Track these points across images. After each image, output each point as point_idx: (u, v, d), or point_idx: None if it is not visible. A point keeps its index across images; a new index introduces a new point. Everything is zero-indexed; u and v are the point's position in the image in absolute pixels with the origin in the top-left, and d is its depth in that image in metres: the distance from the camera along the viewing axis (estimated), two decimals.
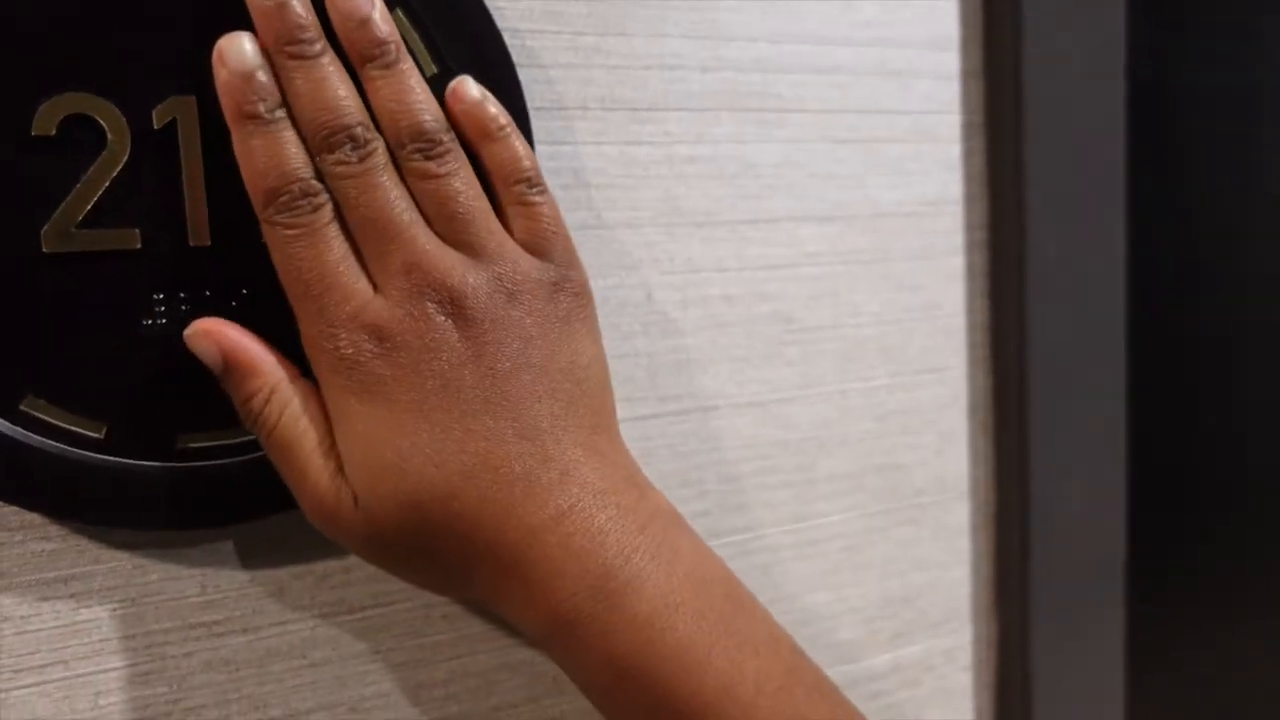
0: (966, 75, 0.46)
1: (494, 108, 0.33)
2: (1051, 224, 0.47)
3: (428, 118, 0.31)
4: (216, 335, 0.30)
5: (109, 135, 0.30)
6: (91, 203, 0.30)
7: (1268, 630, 0.66)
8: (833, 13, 0.43)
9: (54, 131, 0.29)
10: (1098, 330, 0.49)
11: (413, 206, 0.30)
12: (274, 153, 0.29)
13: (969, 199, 0.47)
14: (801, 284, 0.43)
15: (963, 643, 0.49)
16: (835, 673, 0.46)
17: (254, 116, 0.29)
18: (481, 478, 0.29)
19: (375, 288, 0.30)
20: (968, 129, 0.47)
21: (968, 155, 0.47)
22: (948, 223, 0.47)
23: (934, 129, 0.46)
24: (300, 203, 0.29)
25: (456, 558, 0.30)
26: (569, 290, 0.32)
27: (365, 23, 0.30)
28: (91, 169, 0.30)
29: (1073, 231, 0.48)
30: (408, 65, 0.31)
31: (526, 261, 0.31)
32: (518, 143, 0.33)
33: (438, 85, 0.33)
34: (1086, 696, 0.51)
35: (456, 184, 0.31)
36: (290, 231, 0.29)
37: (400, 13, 0.33)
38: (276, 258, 0.30)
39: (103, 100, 0.30)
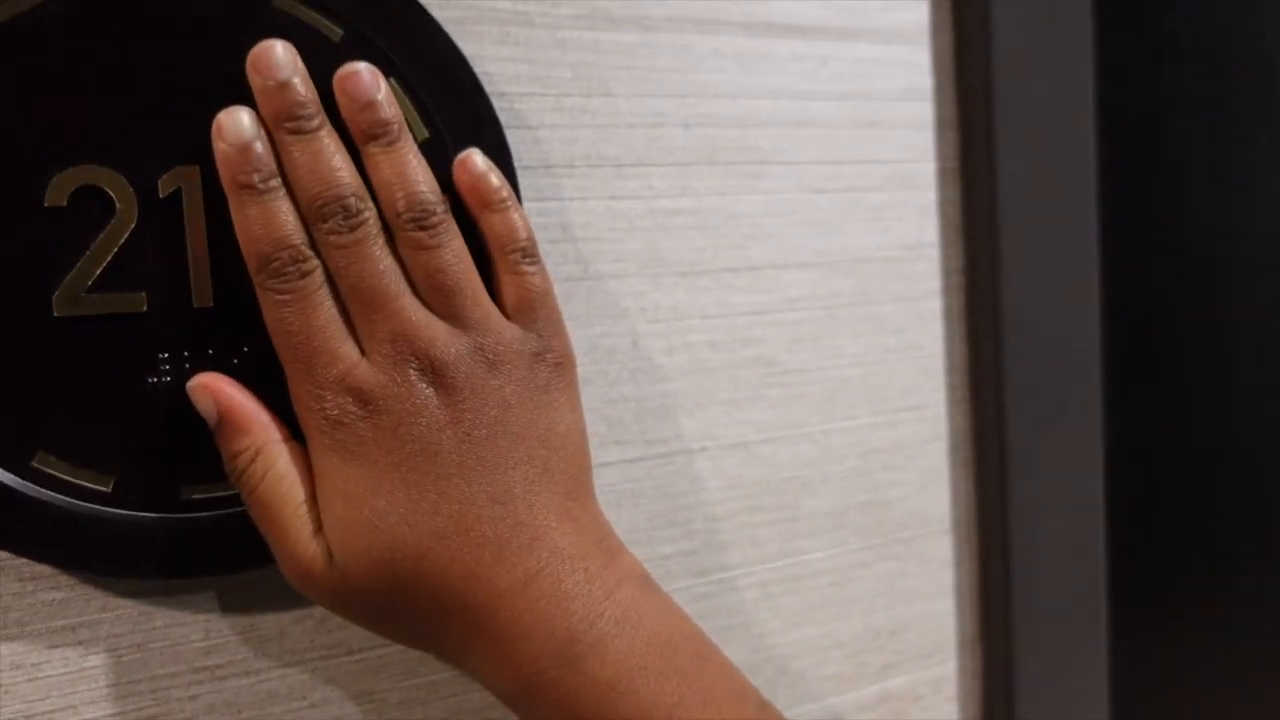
0: (940, 124, 0.48)
1: (497, 180, 0.34)
2: (1026, 266, 0.49)
3: (424, 191, 0.32)
4: (214, 390, 0.32)
5: (117, 204, 0.32)
6: (101, 268, 0.32)
7: (1247, 658, 0.67)
8: (809, 68, 0.44)
9: (65, 202, 0.31)
10: (1073, 368, 0.51)
11: (401, 277, 0.32)
12: (267, 221, 0.31)
13: (945, 243, 0.49)
14: (784, 328, 0.45)
15: (948, 674, 0.51)
16: (823, 706, 0.47)
17: (249, 187, 0.31)
18: (452, 539, 0.30)
19: (363, 352, 0.31)
20: (942, 176, 0.48)
21: (943, 201, 0.48)
22: (925, 267, 0.48)
23: (910, 177, 0.47)
24: (290, 269, 0.31)
25: (425, 617, 0.31)
26: (549, 360, 0.33)
27: (370, 105, 0.32)
28: (100, 236, 0.32)
29: (1047, 273, 0.49)
30: (407, 142, 0.33)
31: (510, 332, 0.33)
32: (516, 215, 0.34)
33: (429, 149, 0.35)
34: None
35: (447, 255, 0.32)
36: (281, 296, 0.31)
37: (393, 80, 0.35)
38: (268, 320, 0.31)
39: (111, 171, 0.32)
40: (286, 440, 0.32)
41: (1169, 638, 0.64)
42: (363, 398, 0.31)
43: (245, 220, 0.31)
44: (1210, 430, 0.65)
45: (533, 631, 0.30)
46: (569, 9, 0.39)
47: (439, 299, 0.32)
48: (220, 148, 0.31)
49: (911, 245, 0.48)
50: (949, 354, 0.49)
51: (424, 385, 0.31)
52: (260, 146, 0.31)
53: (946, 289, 0.49)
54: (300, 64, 0.31)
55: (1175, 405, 0.63)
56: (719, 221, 0.43)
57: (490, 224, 0.34)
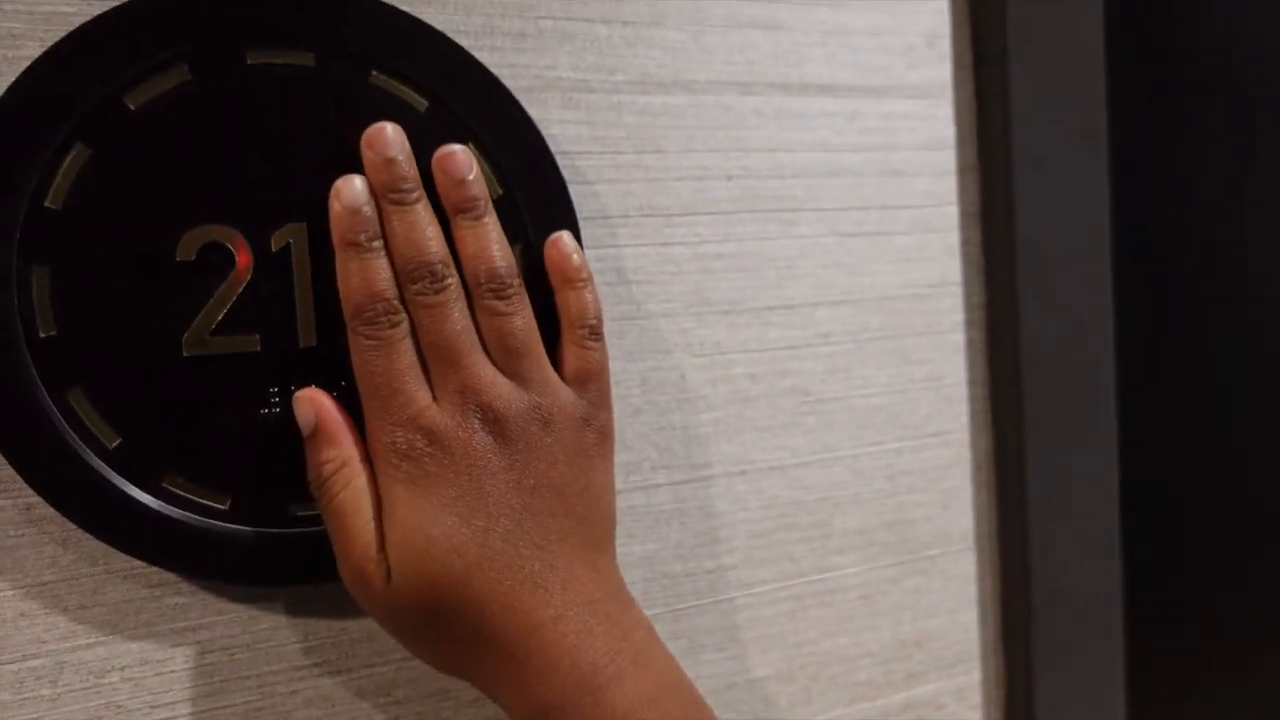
0: (962, 171, 0.52)
1: (579, 260, 0.39)
2: (1043, 301, 0.52)
3: (501, 265, 0.36)
4: (316, 402, 0.36)
5: (236, 258, 0.36)
6: (223, 314, 0.36)
7: (1265, 668, 0.70)
8: (840, 124, 0.49)
9: (194, 257, 0.36)
10: (1089, 394, 0.54)
11: (475, 337, 0.36)
12: (367, 276, 0.35)
13: (967, 281, 0.52)
14: (818, 361, 0.49)
15: (972, 683, 0.54)
16: (853, 711, 0.50)
17: (355, 244, 0.35)
18: (496, 573, 0.34)
19: (435, 399, 0.35)
20: (964, 219, 0.52)
21: (965, 243, 0.52)
22: (949, 303, 0.52)
23: (934, 220, 0.51)
24: (381, 319, 0.35)
25: (464, 640, 0.34)
26: (595, 427, 0.38)
27: (462, 184, 0.37)
28: (222, 286, 0.36)
29: (1063, 306, 0.53)
30: (491, 219, 0.37)
31: (565, 395, 0.37)
32: (590, 294, 0.39)
33: (502, 205, 0.39)
34: None
35: (518, 322, 0.36)
36: (369, 341, 0.35)
37: (471, 144, 0.39)
38: (356, 362, 0.35)
39: (232, 229, 0.36)
40: (365, 462, 0.36)
41: (1184, 647, 0.67)
42: (431, 436, 0.34)
43: (347, 273, 0.35)
44: (1221, 450, 0.68)
45: (560, 663, 0.33)
46: (624, 75, 0.44)
47: (506, 359, 0.36)
48: (335, 208, 0.35)
49: (935, 283, 0.52)
50: (971, 383, 0.53)
51: (485, 433, 0.35)
52: (369, 210, 0.35)
53: (969, 323, 0.53)
54: (406, 144, 0.36)
55: (1187, 427, 0.67)
56: (758, 264, 0.47)
57: (567, 299, 0.39)
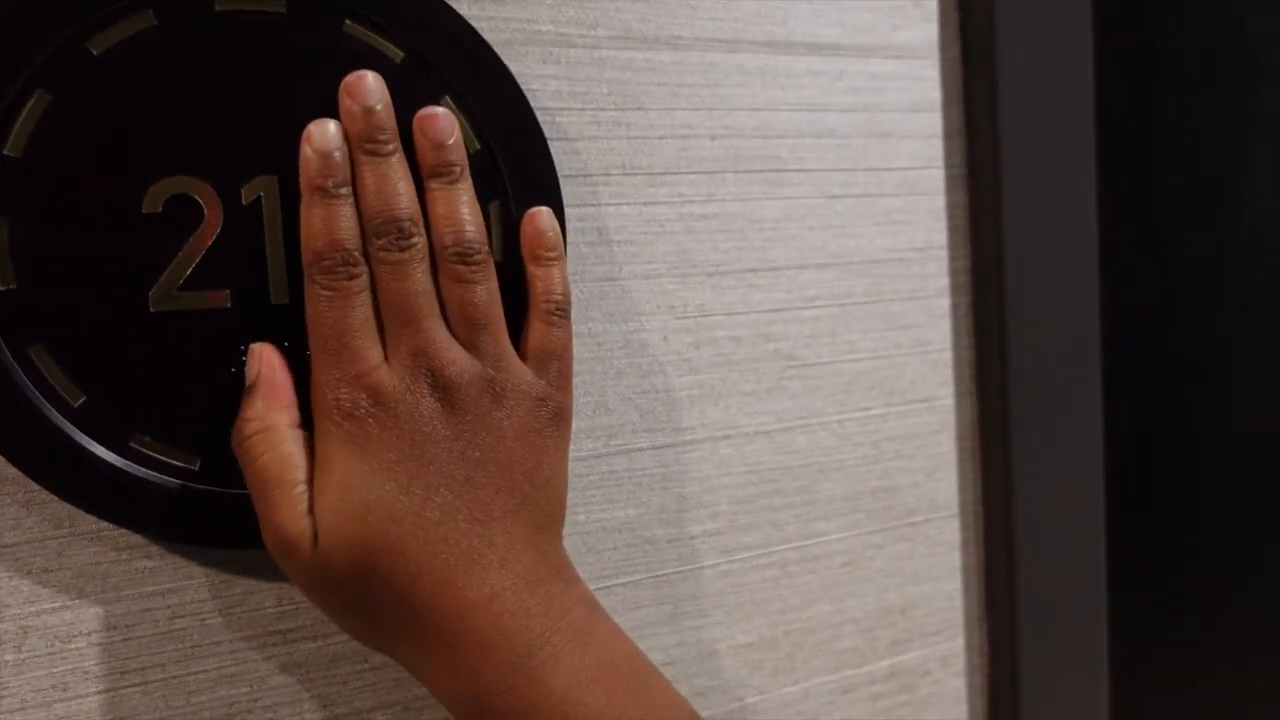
0: (948, 134, 0.51)
1: (553, 237, 0.38)
2: (1029, 266, 0.52)
3: (471, 230, 0.35)
4: (263, 359, 0.35)
5: (205, 211, 0.35)
6: (191, 268, 0.35)
7: (1246, 630, 0.70)
8: (826, 83, 0.48)
9: (160, 209, 0.35)
10: (1074, 361, 0.54)
11: (434, 301, 0.35)
12: (330, 223, 0.34)
13: (953, 245, 0.52)
14: (802, 325, 0.48)
15: (956, 650, 0.54)
16: (839, 678, 0.50)
17: (322, 190, 0.34)
18: (429, 545, 0.33)
19: (386, 359, 0.34)
20: (950, 182, 0.52)
21: (951, 206, 0.52)
22: (934, 267, 0.51)
23: (920, 183, 0.51)
24: (340, 269, 0.34)
25: (393, 613, 0.33)
26: (550, 407, 0.36)
27: (441, 147, 0.36)
28: (191, 239, 0.35)
29: (1049, 272, 0.53)
30: (466, 184, 0.36)
31: (522, 372, 0.36)
32: (559, 271, 0.38)
33: (480, 160, 0.38)
34: (1073, 698, 0.55)
35: (481, 292, 0.35)
36: (325, 291, 0.34)
37: (448, 98, 0.38)
38: (309, 312, 0.34)
39: (200, 181, 0.35)
40: (299, 427, 0.35)
41: (1169, 614, 0.67)
42: (377, 396, 0.33)
43: (310, 219, 0.34)
44: (1205, 418, 0.68)
45: (494, 643, 0.32)
46: (606, 30, 0.43)
47: (465, 329, 0.35)
48: (305, 152, 0.34)
49: (921, 247, 0.51)
50: (956, 349, 0.52)
51: (433, 399, 0.34)
52: (339, 156, 0.34)
53: (954, 288, 0.52)
54: (387, 95, 0.35)
55: (1171, 394, 0.67)
56: (742, 225, 0.46)
57: (536, 274, 0.38)
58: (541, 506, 0.36)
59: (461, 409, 0.34)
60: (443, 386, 0.34)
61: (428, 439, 0.33)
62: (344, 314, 0.34)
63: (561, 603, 0.34)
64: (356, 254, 0.34)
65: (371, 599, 0.33)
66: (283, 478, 0.33)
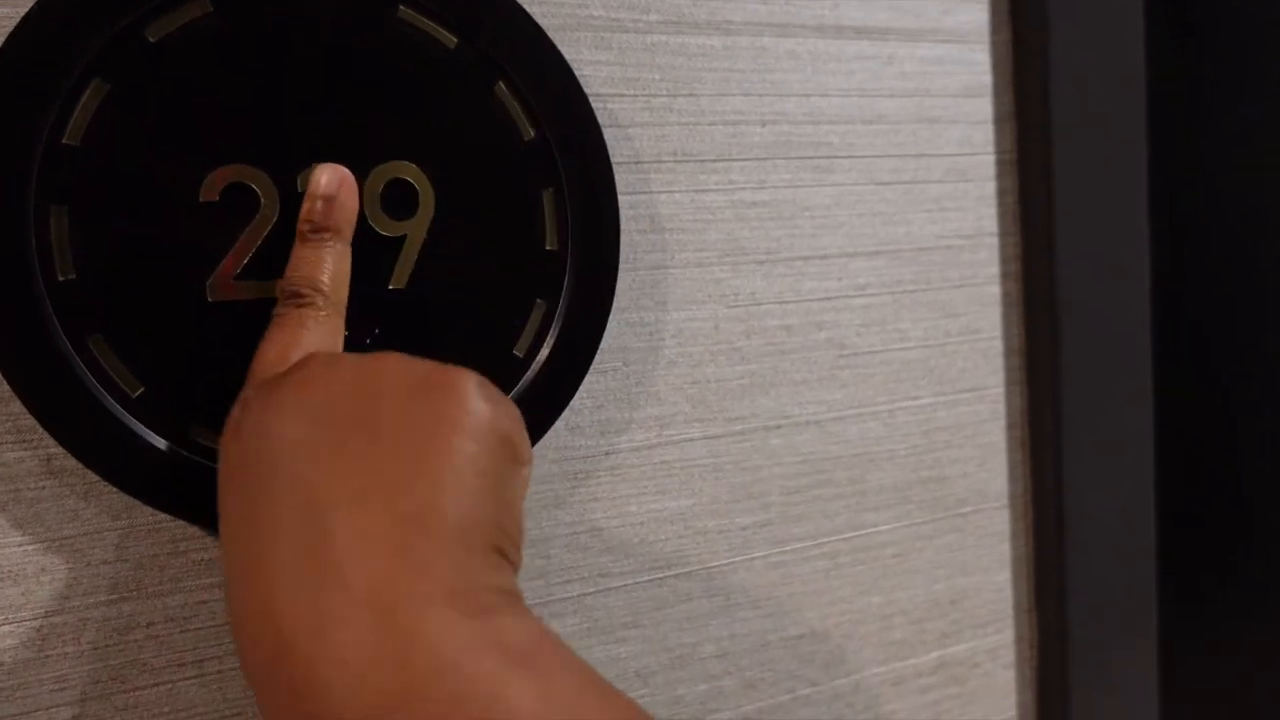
0: (999, 119, 0.51)
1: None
2: (1080, 253, 0.51)
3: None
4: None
5: (262, 199, 0.35)
6: (248, 258, 0.35)
7: None
8: (876, 68, 0.47)
9: (217, 198, 0.34)
10: (1125, 350, 0.53)
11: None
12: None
13: (1003, 232, 0.51)
14: (853, 313, 0.47)
15: (1005, 642, 0.53)
16: (886, 670, 0.50)
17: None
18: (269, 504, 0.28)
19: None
20: (1001, 168, 0.51)
21: (1001, 193, 0.51)
22: (985, 255, 0.51)
23: (970, 169, 0.50)
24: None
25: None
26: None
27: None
28: (247, 229, 0.35)
29: (1100, 259, 0.52)
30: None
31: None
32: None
33: (533, 147, 0.38)
34: (1123, 691, 0.54)
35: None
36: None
37: (502, 84, 0.38)
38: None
39: (257, 170, 0.35)
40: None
41: (1220, 607, 0.66)
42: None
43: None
44: (1258, 407, 0.67)
45: (308, 693, 0.24)
46: (658, 15, 0.42)
47: None
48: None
49: (971, 234, 0.50)
50: (1007, 337, 0.52)
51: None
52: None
53: (1005, 275, 0.51)
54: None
55: (1223, 383, 0.66)
56: (793, 213, 0.46)
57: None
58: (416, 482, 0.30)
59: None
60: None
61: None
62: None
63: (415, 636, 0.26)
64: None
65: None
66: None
